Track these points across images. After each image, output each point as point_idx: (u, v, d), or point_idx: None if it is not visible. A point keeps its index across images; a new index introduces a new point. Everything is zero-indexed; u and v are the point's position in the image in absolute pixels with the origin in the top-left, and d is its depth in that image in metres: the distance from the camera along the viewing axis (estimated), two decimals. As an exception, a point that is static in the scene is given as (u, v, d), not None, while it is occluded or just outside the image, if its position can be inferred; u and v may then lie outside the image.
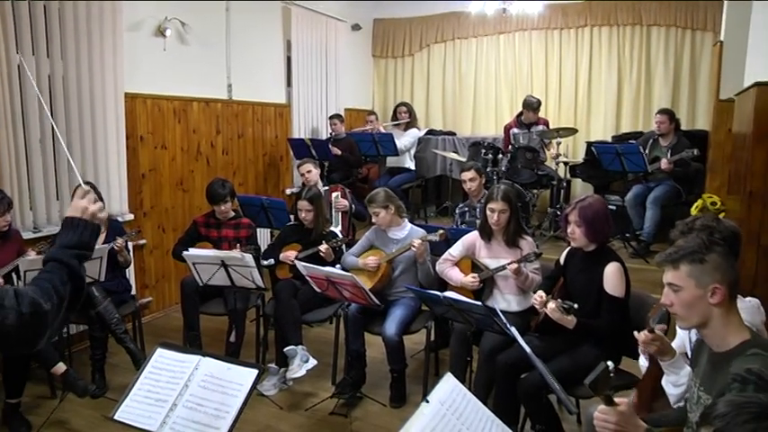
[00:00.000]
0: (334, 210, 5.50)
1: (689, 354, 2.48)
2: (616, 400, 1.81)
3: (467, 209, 5.08)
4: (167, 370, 2.18)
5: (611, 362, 1.80)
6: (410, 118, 7.85)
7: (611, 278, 3.11)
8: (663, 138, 6.24)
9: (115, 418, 2.13)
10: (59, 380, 3.82)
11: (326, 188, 5.54)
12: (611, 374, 1.77)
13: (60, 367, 3.76)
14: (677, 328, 2.68)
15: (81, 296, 1.81)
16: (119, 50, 5.04)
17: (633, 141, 6.60)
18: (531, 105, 7.08)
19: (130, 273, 5.07)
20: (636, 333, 2.34)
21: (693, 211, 5.73)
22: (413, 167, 7.84)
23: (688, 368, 2.25)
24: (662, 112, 6.26)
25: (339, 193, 5.55)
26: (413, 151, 7.85)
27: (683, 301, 1.95)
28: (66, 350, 4.41)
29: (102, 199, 4.35)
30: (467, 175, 4.98)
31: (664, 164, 5.91)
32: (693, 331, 2.50)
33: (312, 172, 5.62)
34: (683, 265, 1.94)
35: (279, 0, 7.14)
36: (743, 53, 5.19)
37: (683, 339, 2.63)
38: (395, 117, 7.98)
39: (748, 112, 4.62)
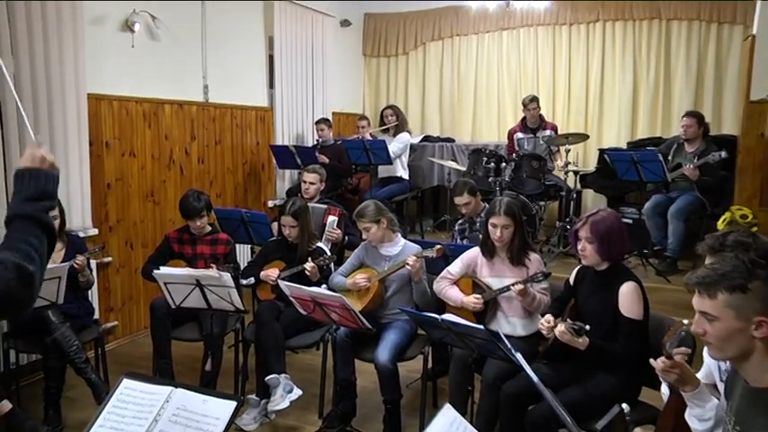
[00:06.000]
0: (325, 233, 5.41)
1: (719, 384, 2.45)
2: None
3: (466, 225, 5.09)
4: (134, 403, 2.15)
5: (626, 404, 1.78)
6: (398, 121, 7.86)
7: (628, 299, 3.11)
8: (689, 143, 6.24)
9: (73, 458, 2.09)
10: (2, 421, 3.64)
11: (324, 206, 5.47)
12: (627, 417, 1.75)
13: (5, 406, 3.62)
14: (705, 355, 2.65)
15: (53, 249, 1.83)
16: (80, 47, 5.00)
17: (651, 148, 6.61)
18: (525, 100, 7.20)
19: (93, 294, 5.03)
20: (652, 361, 2.31)
21: (721, 225, 5.72)
22: (406, 176, 7.84)
23: (715, 400, 2.21)
24: (689, 114, 6.27)
25: (336, 219, 5.39)
26: (405, 158, 7.85)
27: (719, 332, 1.88)
28: (12, 384, 4.30)
29: (63, 212, 4.33)
30: (460, 200, 4.96)
31: (688, 170, 5.91)
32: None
33: (315, 186, 5.60)
34: (720, 294, 1.85)
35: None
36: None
37: (710, 368, 2.59)
38: (382, 121, 8.00)
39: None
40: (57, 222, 4.22)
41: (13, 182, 1.87)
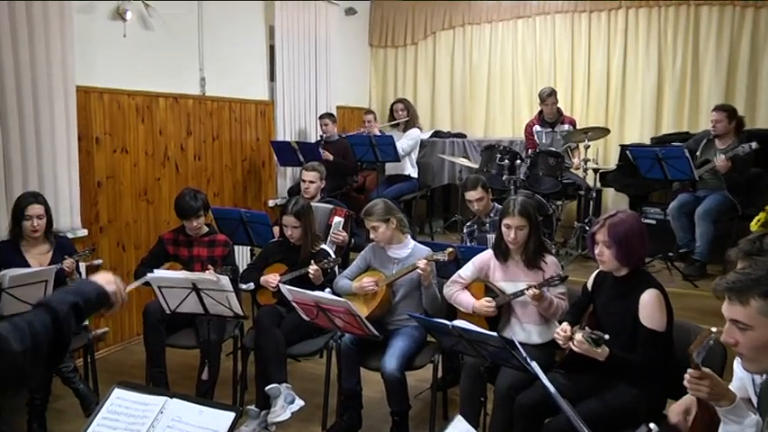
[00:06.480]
0: (330, 235, 5.42)
1: (754, 399, 2.41)
2: None
3: (475, 226, 5.09)
4: (126, 414, 2.15)
5: (653, 424, 1.76)
6: (409, 116, 7.86)
7: (649, 308, 3.10)
8: (719, 139, 6.18)
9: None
10: None
11: (330, 206, 5.47)
12: None
13: None
14: (735, 366, 2.58)
15: (63, 352, 1.87)
16: (68, 36, 5.00)
17: (677, 144, 6.57)
18: (543, 93, 7.17)
19: (84, 298, 5.05)
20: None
21: (754, 226, 5.67)
22: (415, 175, 7.85)
23: (754, 416, 2.17)
24: (719, 108, 6.21)
25: (342, 220, 5.40)
26: (414, 155, 7.85)
27: (753, 342, 1.86)
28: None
29: (49, 211, 4.33)
30: (473, 195, 4.97)
31: (720, 161, 5.86)
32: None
33: (315, 184, 5.62)
34: (753, 300, 1.83)
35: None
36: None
37: (744, 381, 2.54)
38: (391, 116, 8.00)
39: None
40: (43, 222, 4.25)
41: None
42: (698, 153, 6.23)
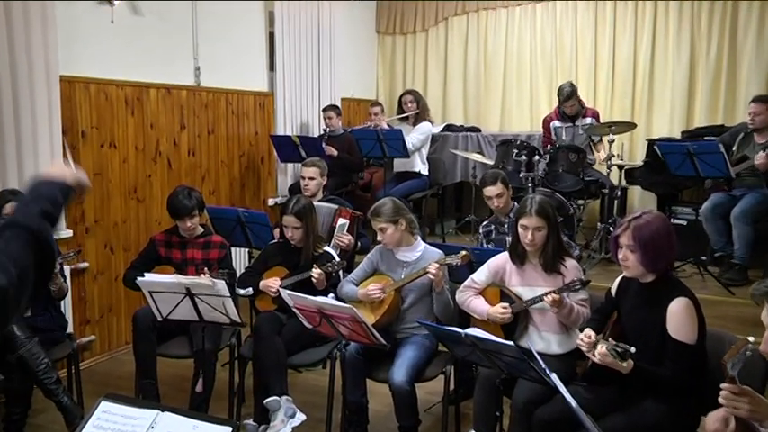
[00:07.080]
0: (334, 238, 5.40)
1: None
2: None
3: (492, 226, 5.08)
4: (113, 429, 2.15)
5: None
6: (418, 109, 7.84)
7: (678, 319, 3.07)
8: (758, 133, 6.12)
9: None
10: None
11: (335, 207, 5.45)
12: None
13: None
14: None
15: (51, 268, 1.81)
16: (50, 22, 4.99)
17: (710, 138, 6.51)
18: (562, 93, 7.09)
19: (66, 305, 5.06)
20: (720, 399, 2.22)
21: None
22: (425, 172, 7.83)
23: None
24: (759, 100, 6.13)
25: (347, 222, 5.36)
26: (424, 151, 7.83)
27: None
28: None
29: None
30: (492, 191, 4.97)
31: (760, 158, 5.80)
32: None
33: (315, 181, 5.61)
34: None
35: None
36: None
37: None
38: (400, 109, 7.98)
39: None
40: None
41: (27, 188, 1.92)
42: (734, 148, 6.17)
